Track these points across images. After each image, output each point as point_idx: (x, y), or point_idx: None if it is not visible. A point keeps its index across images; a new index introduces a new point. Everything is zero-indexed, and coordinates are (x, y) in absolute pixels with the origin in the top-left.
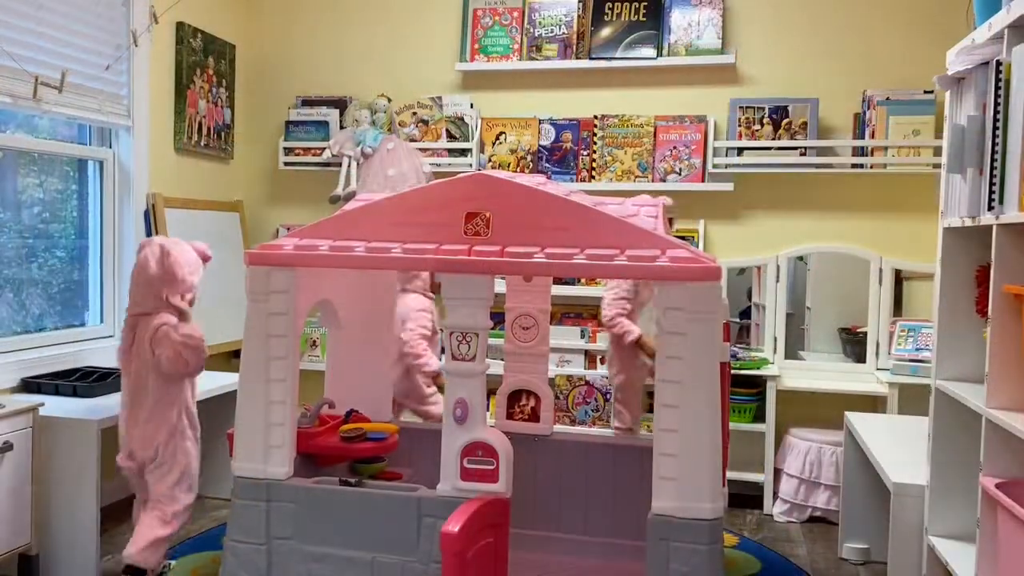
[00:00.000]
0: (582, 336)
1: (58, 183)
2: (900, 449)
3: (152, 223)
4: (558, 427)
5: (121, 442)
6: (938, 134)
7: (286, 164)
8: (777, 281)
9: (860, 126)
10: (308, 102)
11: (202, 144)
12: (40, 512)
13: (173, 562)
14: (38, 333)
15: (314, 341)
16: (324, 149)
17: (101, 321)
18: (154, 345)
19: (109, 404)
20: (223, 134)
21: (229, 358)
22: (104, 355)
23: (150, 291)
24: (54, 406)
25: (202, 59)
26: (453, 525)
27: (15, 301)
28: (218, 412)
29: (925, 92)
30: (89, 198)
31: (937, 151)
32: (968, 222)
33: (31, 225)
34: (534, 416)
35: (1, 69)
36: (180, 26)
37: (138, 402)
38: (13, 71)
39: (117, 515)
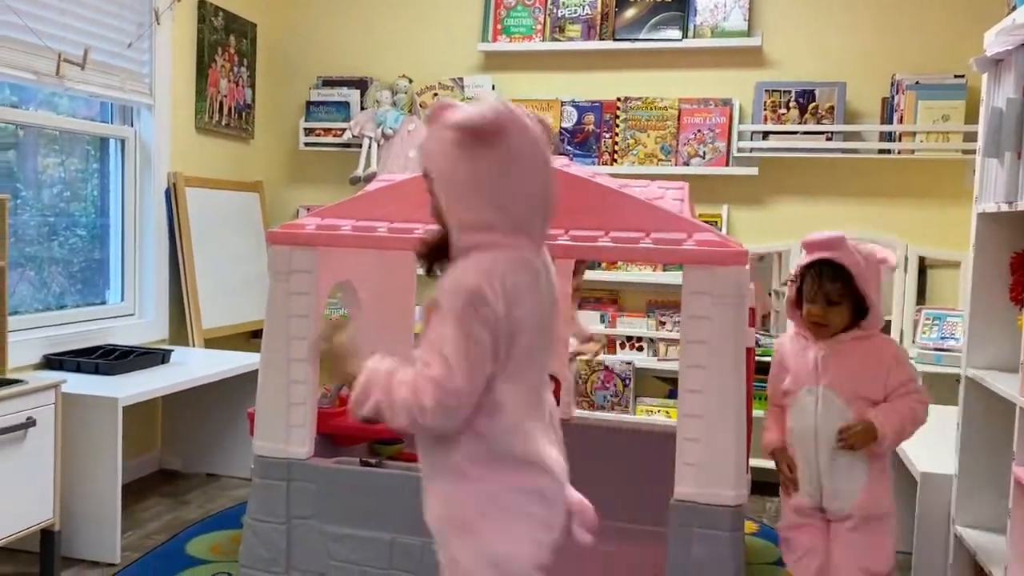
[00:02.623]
0: (602, 321)
1: (79, 162)
2: (925, 438)
3: (173, 202)
4: (577, 412)
5: None
6: (968, 119)
7: (306, 144)
8: None
9: (888, 111)
10: (329, 82)
11: (223, 123)
12: (63, 488)
13: None
14: (60, 311)
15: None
16: (345, 130)
17: (122, 299)
18: None
19: (131, 382)
20: (244, 114)
21: (248, 338)
22: (125, 333)
23: None
24: (76, 383)
25: (223, 38)
26: None
27: (36, 279)
28: (237, 391)
29: (956, 76)
30: (110, 176)
31: (968, 137)
32: (1004, 207)
33: (52, 204)
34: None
35: (25, 45)
36: (202, 4)
37: None
38: (36, 48)
39: (138, 492)
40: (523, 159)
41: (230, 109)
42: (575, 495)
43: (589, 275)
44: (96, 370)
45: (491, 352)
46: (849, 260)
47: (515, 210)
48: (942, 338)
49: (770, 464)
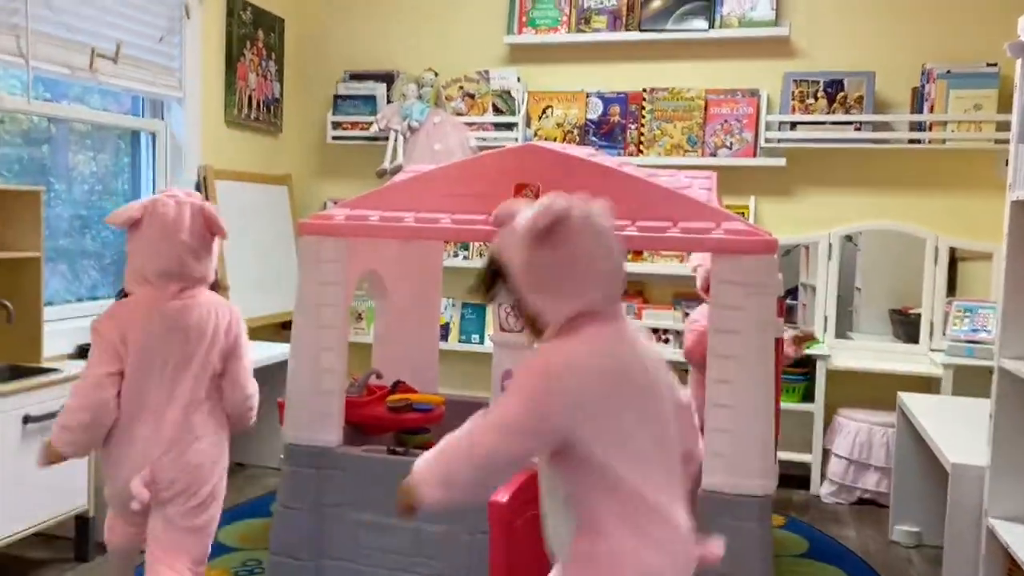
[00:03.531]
0: (628, 312)
1: (110, 156)
2: (957, 430)
3: (203, 195)
4: None
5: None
6: (1002, 108)
7: (334, 138)
8: (829, 259)
9: (919, 100)
10: (356, 76)
11: (252, 117)
12: (96, 475)
13: None
14: (92, 302)
15: (360, 314)
16: (371, 123)
17: None
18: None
19: None
20: (272, 107)
21: (278, 329)
22: None
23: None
24: None
25: (252, 32)
26: (501, 495)
27: (69, 271)
28: (267, 382)
29: (988, 65)
30: (141, 170)
31: (1000, 126)
32: None
33: (84, 198)
34: None
35: (59, 40)
36: None
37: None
38: (70, 43)
39: None
40: (588, 244)
41: (259, 103)
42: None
43: None
44: None
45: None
46: None
47: (590, 295)
48: (973, 330)
49: (797, 457)
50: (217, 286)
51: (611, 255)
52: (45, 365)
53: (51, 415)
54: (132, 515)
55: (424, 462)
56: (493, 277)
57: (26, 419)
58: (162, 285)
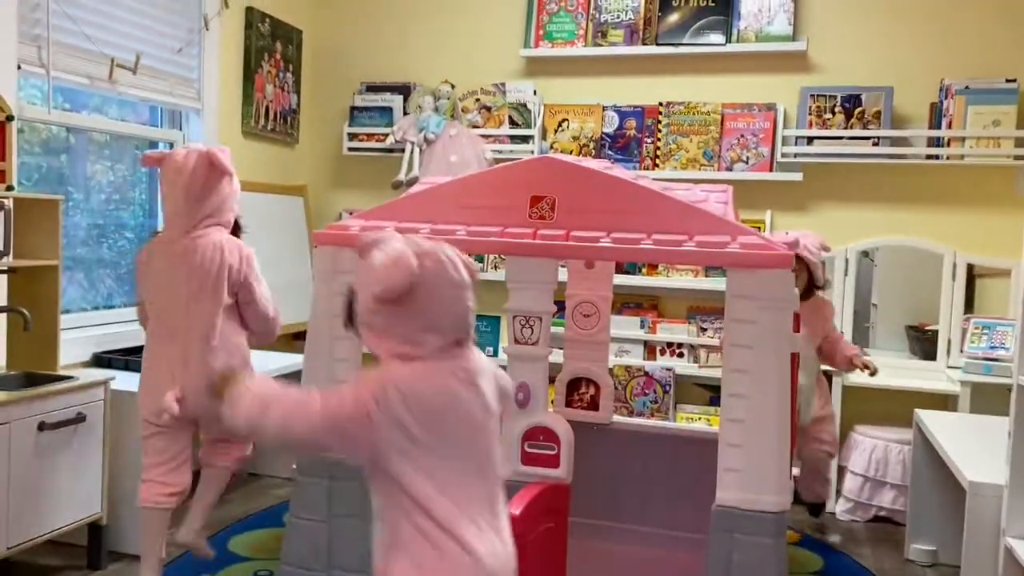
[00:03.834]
0: (642, 326)
1: (128, 166)
2: (975, 448)
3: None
4: (616, 417)
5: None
6: (1020, 124)
7: (350, 149)
8: (846, 275)
9: (937, 116)
10: (372, 88)
11: (268, 128)
12: (111, 483)
13: None
14: (108, 310)
15: None
16: (388, 135)
17: None
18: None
19: None
20: (289, 118)
21: (291, 339)
22: None
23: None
24: (125, 381)
25: (270, 44)
26: (515, 508)
27: (86, 280)
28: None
29: (1007, 81)
30: (158, 180)
31: (1019, 142)
32: None
33: (101, 208)
34: (593, 404)
35: (79, 51)
36: (249, 11)
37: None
38: (90, 53)
39: None
40: (434, 302)
41: (276, 114)
42: None
43: (629, 280)
44: None
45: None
46: (802, 252)
47: (429, 344)
48: (991, 347)
49: None
50: (237, 228)
51: (457, 304)
52: (61, 373)
53: (66, 423)
54: (166, 443)
55: (263, 387)
56: (349, 307)
57: (41, 426)
58: (173, 224)
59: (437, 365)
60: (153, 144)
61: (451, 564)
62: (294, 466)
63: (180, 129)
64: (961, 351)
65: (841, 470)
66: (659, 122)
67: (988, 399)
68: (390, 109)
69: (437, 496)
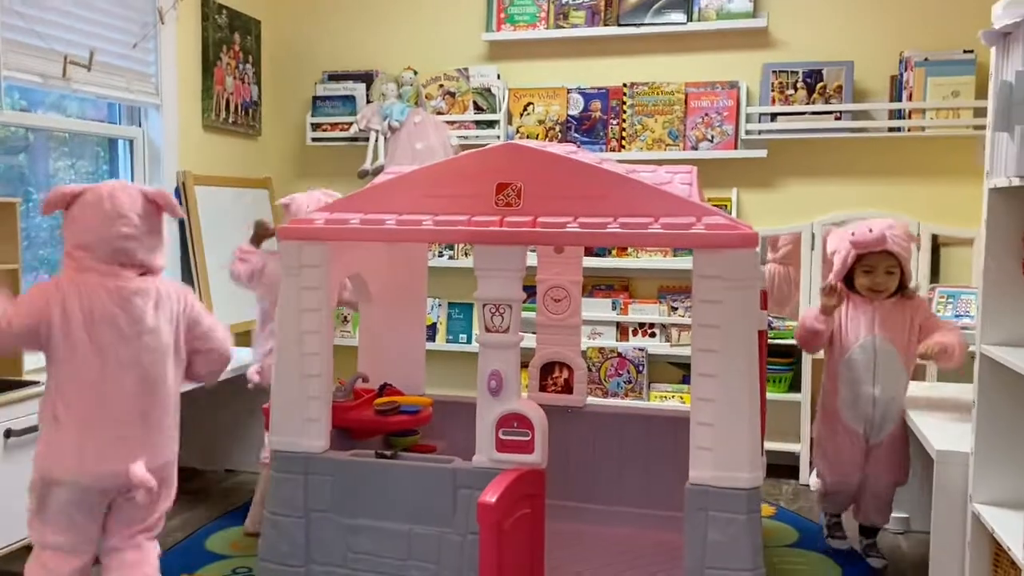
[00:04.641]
0: (614, 308)
1: (89, 164)
2: (942, 417)
3: (183, 200)
4: (591, 399)
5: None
6: (979, 95)
7: (314, 140)
8: (812, 249)
9: (897, 88)
10: (334, 77)
11: (230, 121)
12: None
13: None
14: None
15: (345, 317)
16: (351, 124)
17: None
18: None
19: None
20: (250, 111)
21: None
22: None
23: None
24: None
25: (228, 36)
26: (490, 496)
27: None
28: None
29: (965, 52)
30: (120, 177)
31: (977, 112)
32: (1016, 181)
33: None
34: (567, 388)
35: (31, 49)
36: (205, 2)
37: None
38: (42, 51)
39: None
40: (82, 220)
41: (237, 107)
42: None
43: (600, 262)
44: None
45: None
46: (892, 247)
47: (81, 256)
48: (957, 316)
49: (785, 447)
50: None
51: (105, 230)
52: (26, 378)
53: (34, 428)
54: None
55: None
56: None
57: (8, 433)
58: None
59: (89, 278)
60: (113, 140)
61: (55, 448)
62: (264, 457)
63: (139, 125)
64: None
65: (813, 443)
66: (624, 103)
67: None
68: (353, 98)
69: (60, 388)
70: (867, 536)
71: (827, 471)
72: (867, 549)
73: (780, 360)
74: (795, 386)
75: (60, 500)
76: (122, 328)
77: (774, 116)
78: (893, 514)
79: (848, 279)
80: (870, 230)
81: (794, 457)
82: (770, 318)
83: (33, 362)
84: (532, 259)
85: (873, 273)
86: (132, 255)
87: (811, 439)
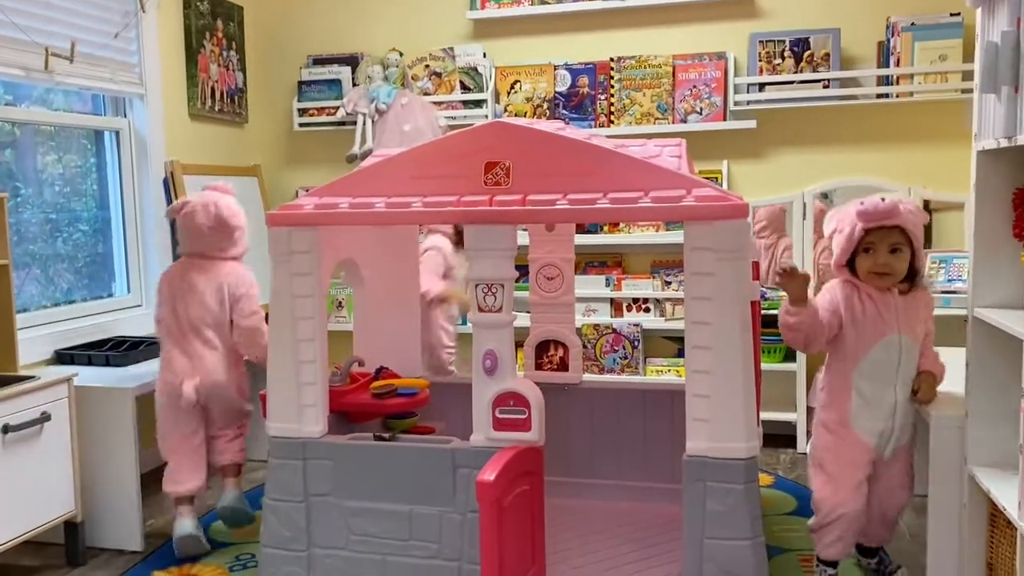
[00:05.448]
0: (607, 284)
1: (77, 157)
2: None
3: (172, 191)
4: (587, 376)
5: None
6: (966, 58)
7: (301, 125)
8: (804, 218)
9: (884, 54)
10: (319, 61)
11: (216, 109)
12: (83, 480)
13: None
14: (68, 305)
15: (340, 302)
16: (338, 108)
17: (128, 291)
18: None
19: (142, 372)
20: (236, 98)
21: None
22: (133, 324)
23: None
24: (88, 376)
25: (210, 22)
26: (489, 474)
27: (43, 276)
28: (249, 375)
29: (951, 15)
30: (108, 169)
31: (965, 75)
32: (1004, 143)
33: (53, 200)
34: (563, 366)
35: (11, 42)
36: None
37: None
38: (23, 43)
39: (158, 480)
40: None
41: (222, 94)
42: None
43: (592, 239)
44: (107, 362)
45: None
46: (904, 221)
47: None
48: (949, 280)
49: (782, 416)
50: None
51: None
52: (22, 373)
53: (31, 423)
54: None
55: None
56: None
57: (5, 428)
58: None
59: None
60: (99, 132)
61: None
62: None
63: (125, 116)
64: None
65: (809, 411)
66: (611, 78)
67: (950, 331)
68: (339, 82)
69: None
70: (867, 556)
71: (826, 496)
72: (880, 567)
73: (775, 330)
74: (790, 356)
75: None
76: None
77: (762, 86)
78: None
79: (851, 268)
80: (883, 199)
81: (791, 427)
82: (763, 289)
83: (28, 357)
84: (523, 238)
85: (875, 252)
86: None
87: (807, 408)
